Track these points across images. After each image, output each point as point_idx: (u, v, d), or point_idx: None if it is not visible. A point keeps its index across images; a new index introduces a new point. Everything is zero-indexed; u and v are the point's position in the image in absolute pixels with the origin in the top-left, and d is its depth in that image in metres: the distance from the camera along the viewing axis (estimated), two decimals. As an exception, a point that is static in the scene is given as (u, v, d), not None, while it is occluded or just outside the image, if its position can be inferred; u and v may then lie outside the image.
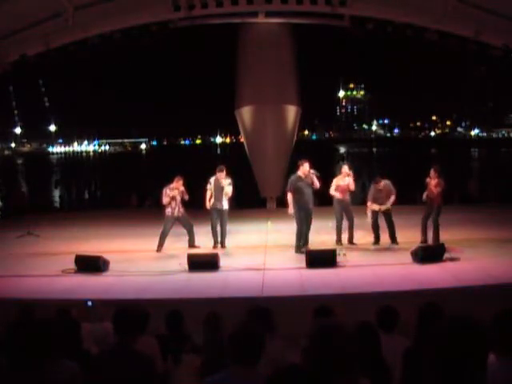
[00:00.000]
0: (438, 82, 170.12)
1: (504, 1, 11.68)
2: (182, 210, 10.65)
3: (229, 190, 10.54)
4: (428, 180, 10.50)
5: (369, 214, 10.48)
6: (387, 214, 10.51)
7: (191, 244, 10.82)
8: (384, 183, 10.51)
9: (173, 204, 10.51)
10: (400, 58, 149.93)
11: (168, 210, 10.57)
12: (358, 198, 13.53)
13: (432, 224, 10.43)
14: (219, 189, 10.60)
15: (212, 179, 10.70)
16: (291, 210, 10.14)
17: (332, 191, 10.83)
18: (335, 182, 10.89)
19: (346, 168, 10.94)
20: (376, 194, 10.50)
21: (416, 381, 2.66)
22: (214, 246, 10.73)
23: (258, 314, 4.14)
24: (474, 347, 1.73)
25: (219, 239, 10.83)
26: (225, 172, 10.68)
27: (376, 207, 10.42)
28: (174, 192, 10.46)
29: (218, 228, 10.82)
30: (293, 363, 2.31)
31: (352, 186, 10.74)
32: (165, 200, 10.50)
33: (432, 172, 10.48)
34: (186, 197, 10.62)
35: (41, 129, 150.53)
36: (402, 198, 10.85)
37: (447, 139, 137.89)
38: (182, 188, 10.58)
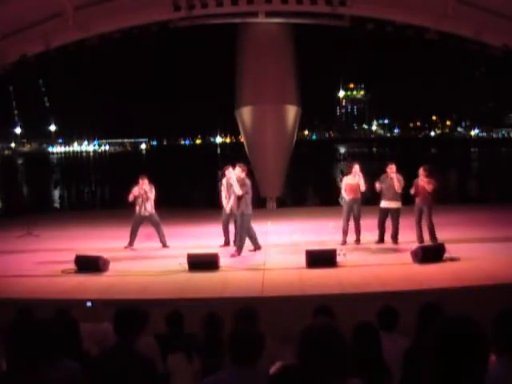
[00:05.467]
0: (438, 82, 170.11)
1: (504, 1, 11.68)
2: (148, 209, 10.77)
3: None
4: (416, 180, 10.45)
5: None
6: (395, 214, 10.54)
7: (163, 243, 10.94)
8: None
9: (139, 203, 10.73)
10: (400, 58, 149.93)
11: (136, 209, 10.81)
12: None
13: (426, 226, 10.40)
14: (228, 187, 10.51)
15: (224, 179, 10.71)
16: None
17: (343, 193, 10.80)
18: (345, 181, 10.85)
19: (356, 167, 10.83)
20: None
21: (416, 381, 2.66)
22: (223, 245, 10.77)
23: (244, 315, 4.16)
24: (473, 347, 1.73)
25: (231, 239, 10.72)
26: (231, 169, 10.31)
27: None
28: (135, 191, 10.69)
29: (231, 228, 10.68)
30: (291, 363, 2.31)
31: (362, 187, 10.61)
32: (129, 197, 10.77)
33: (421, 171, 10.43)
34: (151, 196, 10.72)
35: (41, 129, 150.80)
36: (403, 197, 10.84)
37: (447, 139, 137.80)
38: (145, 187, 10.71)
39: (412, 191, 10.42)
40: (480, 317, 1.87)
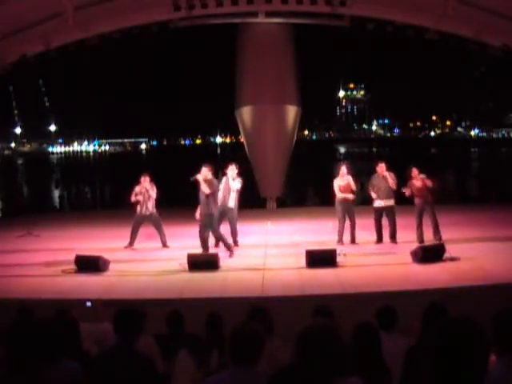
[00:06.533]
0: (438, 82, 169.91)
1: (504, 1, 11.68)
2: (150, 208, 10.76)
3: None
4: (411, 182, 10.45)
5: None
6: (391, 212, 10.55)
7: (163, 243, 10.94)
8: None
9: (141, 201, 10.71)
10: (400, 58, 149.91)
11: (137, 209, 10.80)
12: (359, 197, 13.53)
13: (431, 224, 10.42)
14: (226, 186, 10.77)
15: (224, 178, 10.81)
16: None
17: (338, 193, 10.84)
18: (336, 183, 10.91)
19: (343, 169, 10.98)
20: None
21: (416, 381, 2.66)
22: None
23: (257, 314, 4.16)
24: (473, 347, 1.73)
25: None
26: (231, 166, 10.69)
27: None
28: (137, 190, 10.68)
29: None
30: (291, 364, 2.31)
31: (353, 186, 10.82)
32: (131, 197, 10.76)
33: (414, 171, 10.45)
34: (153, 194, 10.71)
35: (41, 129, 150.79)
36: (402, 197, 10.85)
37: (447, 139, 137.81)
38: (146, 185, 10.70)
39: (407, 192, 10.41)
40: (480, 317, 1.87)
